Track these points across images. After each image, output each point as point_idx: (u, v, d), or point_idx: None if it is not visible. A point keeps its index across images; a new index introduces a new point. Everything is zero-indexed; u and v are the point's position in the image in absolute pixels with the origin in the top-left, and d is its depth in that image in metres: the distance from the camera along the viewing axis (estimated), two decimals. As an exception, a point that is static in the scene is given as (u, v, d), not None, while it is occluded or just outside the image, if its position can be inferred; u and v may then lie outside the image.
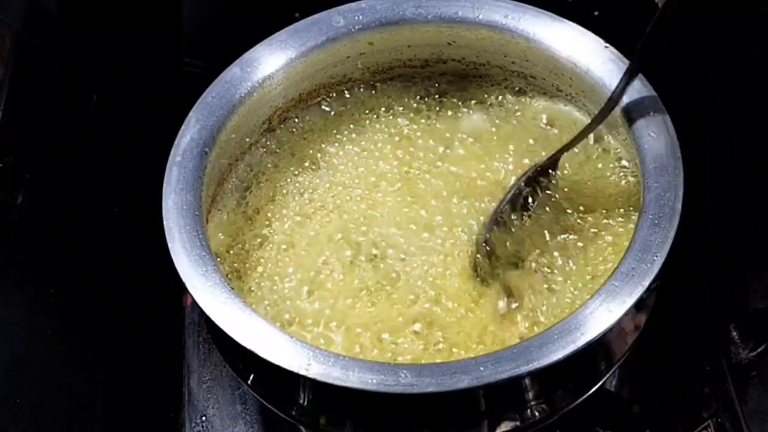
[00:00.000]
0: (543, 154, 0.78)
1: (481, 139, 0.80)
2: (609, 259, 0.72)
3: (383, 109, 0.83)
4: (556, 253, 0.73)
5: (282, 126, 0.81)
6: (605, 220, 0.74)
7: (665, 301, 0.72)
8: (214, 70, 0.77)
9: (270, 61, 0.77)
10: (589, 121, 0.79)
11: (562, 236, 0.74)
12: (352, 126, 0.82)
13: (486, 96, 0.82)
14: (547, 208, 0.75)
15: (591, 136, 0.77)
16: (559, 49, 0.76)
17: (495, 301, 0.71)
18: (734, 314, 0.81)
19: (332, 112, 0.83)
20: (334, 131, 0.82)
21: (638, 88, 0.72)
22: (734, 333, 0.80)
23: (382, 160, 0.80)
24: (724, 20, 0.92)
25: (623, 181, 0.76)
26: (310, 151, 0.81)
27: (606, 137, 0.78)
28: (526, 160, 0.78)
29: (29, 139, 0.83)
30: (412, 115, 0.82)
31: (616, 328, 0.66)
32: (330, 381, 0.62)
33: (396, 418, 0.66)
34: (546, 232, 0.74)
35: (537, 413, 0.67)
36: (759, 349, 0.79)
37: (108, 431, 0.79)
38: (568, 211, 0.74)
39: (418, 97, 0.83)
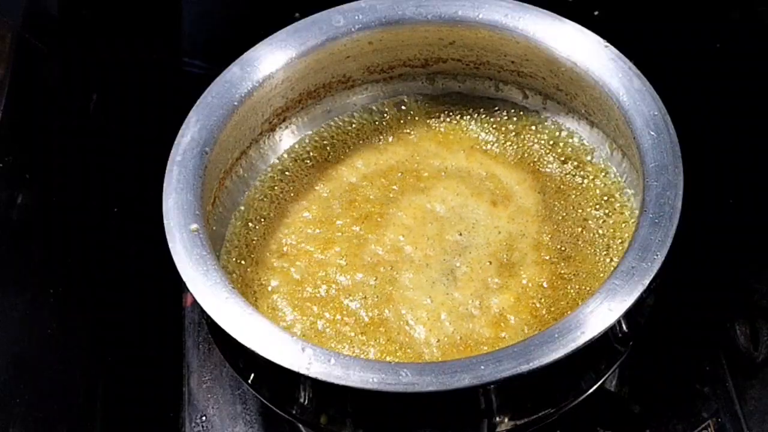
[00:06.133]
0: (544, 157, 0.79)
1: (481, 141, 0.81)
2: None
3: (383, 108, 0.83)
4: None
5: (282, 125, 0.81)
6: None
7: (665, 301, 0.72)
8: (214, 70, 0.77)
9: (270, 61, 0.77)
10: (588, 122, 0.79)
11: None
12: (351, 126, 0.82)
13: (486, 95, 0.82)
14: None
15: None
16: (559, 49, 0.76)
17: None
18: (734, 314, 0.81)
19: (332, 112, 0.83)
20: (334, 131, 0.82)
21: (638, 88, 0.72)
22: (734, 333, 0.80)
23: (384, 158, 0.80)
24: (724, 21, 0.92)
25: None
26: (311, 151, 0.81)
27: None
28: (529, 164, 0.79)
29: (29, 139, 0.83)
30: (412, 114, 0.82)
31: (617, 327, 0.66)
32: (331, 380, 0.62)
33: (397, 417, 0.66)
34: None
35: (537, 413, 0.67)
36: (759, 349, 0.79)
37: (108, 431, 0.79)
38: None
39: (418, 96, 0.83)
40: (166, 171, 0.72)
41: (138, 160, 0.91)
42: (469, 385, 0.61)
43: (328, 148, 0.81)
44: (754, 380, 0.78)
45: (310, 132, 0.82)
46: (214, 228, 0.75)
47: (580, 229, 0.75)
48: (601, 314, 0.63)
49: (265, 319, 0.65)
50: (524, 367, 0.61)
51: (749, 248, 0.83)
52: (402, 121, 0.82)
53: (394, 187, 0.79)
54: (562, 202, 0.77)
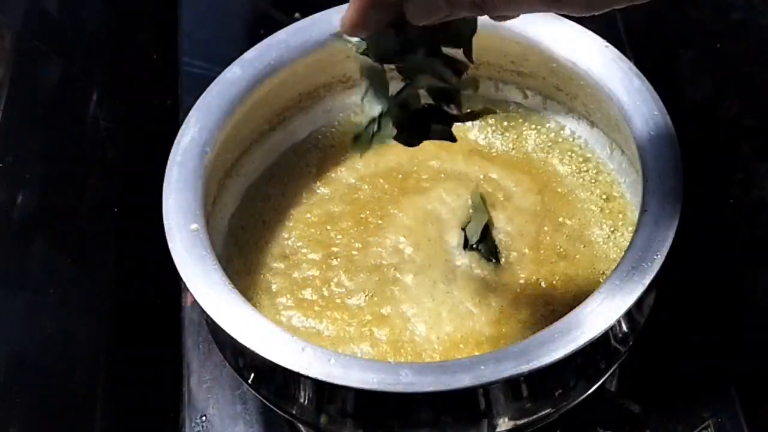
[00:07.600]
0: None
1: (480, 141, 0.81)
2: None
3: (383, 108, 0.83)
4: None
5: (282, 125, 0.81)
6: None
7: (665, 300, 0.72)
8: (214, 70, 0.77)
9: (270, 61, 0.77)
10: (588, 122, 0.79)
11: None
12: (351, 126, 0.82)
13: (486, 95, 0.82)
14: None
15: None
16: (559, 49, 0.76)
17: None
18: (734, 313, 0.81)
19: (332, 112, 0.83)
20: (334, 131, 0.82)
21: (638, 88, 0.72)
22: (734, 332, 0.80)
23: (384, 160, 0.80)
24: (724, 21, 0.92)
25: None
26: (311, 151, 0.81)
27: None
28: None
29: (29, 139, 0.83)
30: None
31: (617, 327, 0.66)
32: (331, 380, 0.62)
33: (396, 417, 0.66)
34: None
35: (537, 413, 0.67)
36: (759, 349, 0.79)
37: (108, 431, 0.79)
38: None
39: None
40: (166, 171, 0.71)
41: (138, 160, 0.91)
42: (469, 385, 0.61)
43: (328, 148, 0.81)
44: (755, 380, 0.78)
45: (310, 132, 0.82)
46: (214, 228, 0.75)
47: (579, 229, 0.75)
48: (601, 314, 0.63)
49: (265, 319, 0.65)
50: (524, 367, 0.61)
51: (749, 248, 0.83)
52: (402, 121, 0.82)
53: (395, 188, 0.79)
54: (561, 202, 0.77)
